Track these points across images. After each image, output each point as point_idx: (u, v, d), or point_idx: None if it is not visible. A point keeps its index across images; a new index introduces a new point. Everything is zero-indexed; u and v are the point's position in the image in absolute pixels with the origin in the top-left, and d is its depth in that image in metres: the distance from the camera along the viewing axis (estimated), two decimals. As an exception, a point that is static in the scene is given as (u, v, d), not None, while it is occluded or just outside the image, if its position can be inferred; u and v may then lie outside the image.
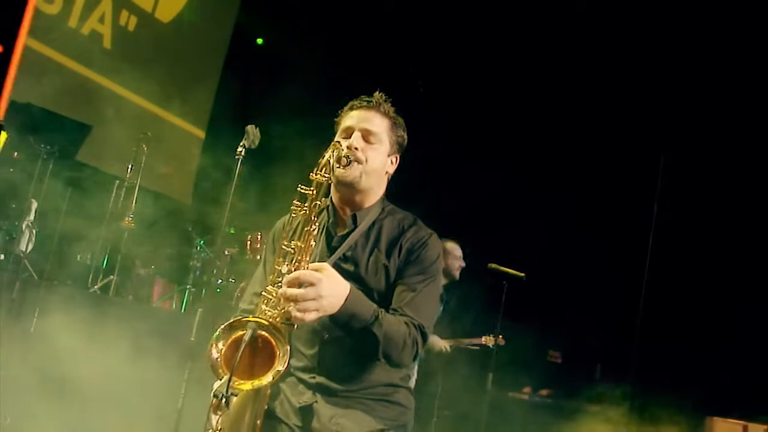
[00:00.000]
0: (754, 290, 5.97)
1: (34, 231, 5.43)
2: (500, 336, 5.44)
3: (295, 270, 1.76)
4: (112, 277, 5.96)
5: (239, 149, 4.29)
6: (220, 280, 6.49)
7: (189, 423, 3.63)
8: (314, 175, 1.84)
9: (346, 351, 1.91)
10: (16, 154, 5.50)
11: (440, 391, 5.37)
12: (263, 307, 1.77)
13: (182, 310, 6.69)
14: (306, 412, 1.91)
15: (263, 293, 1.81)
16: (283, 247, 1.83)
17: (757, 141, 6.15)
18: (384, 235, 2.03)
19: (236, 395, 1.63)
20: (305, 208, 1.82)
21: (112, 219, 6.20)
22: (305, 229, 1.81)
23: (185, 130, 8.42)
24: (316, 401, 1.92)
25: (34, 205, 5.44)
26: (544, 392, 6.69)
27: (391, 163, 2.11)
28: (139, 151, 6.22)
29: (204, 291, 6.94)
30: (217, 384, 1.61)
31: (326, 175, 1.84)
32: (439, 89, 7.48)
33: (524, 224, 6.81)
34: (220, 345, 1.67)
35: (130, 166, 6.20)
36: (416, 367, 4.06)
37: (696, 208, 6.44)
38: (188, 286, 6.81)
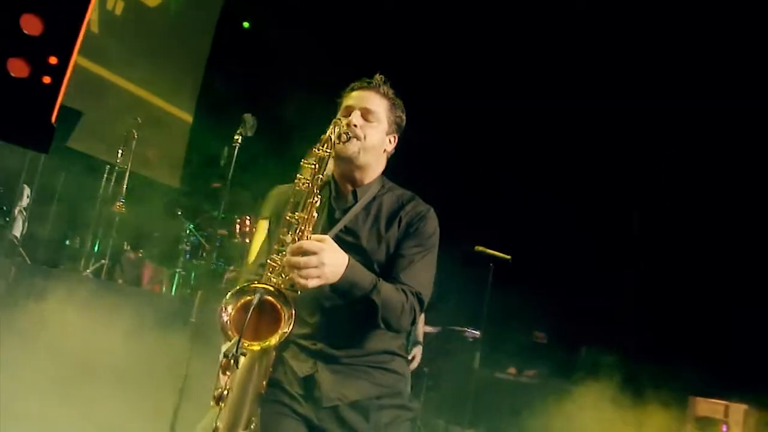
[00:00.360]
0: (743, 279, 6.10)
1: (26, 216, 5.46)
2: (479, 333, 5.51)
3: (298, 240, 1.86)
4: (103, 261, 6.01)
5: (236, 137, 4.31)
6: (214, 265, 6.56)
7: (191, 403, 3.69)
8: (317, 150, 1.94)
9: (346, 318, 2.00)
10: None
11: (428, 371, 5.44)
12: (269, 274, 1.86)
13: (172, 293, 6.75)
14: (308, 382, 2.00)
15: (268, 261, 1.89)
16: (287, 218, 1.91)
17: (751, 142, 6.28)
18: (384, 209, 2.12)
19: (245, 355, 1.73)
20: (307, 181, 1.92)
21: (103, 204, 6.24)
22: (308, 201, 1.90)
23: (173, 115, 8.43)
24: (317, 371, 2.01)
25: (27, 190, 5.46)
26: (530, 372, 6.80)
27: (390, 142, 2.19)
28: (129, 136, 6.24)
29: (194, 274, 7.00)
30: (226, 345, 1.71)
31: (328, 151, 1.94)
32: (439, 88, 7.47)
33: (509, 206, 6.91)
34: (229, 309, 1.77)
35: (120, 152, 6.23)
36: (420, 348, 4.10)
37: (684, 190, 6.57)
38: (178, 270, 6.87)
